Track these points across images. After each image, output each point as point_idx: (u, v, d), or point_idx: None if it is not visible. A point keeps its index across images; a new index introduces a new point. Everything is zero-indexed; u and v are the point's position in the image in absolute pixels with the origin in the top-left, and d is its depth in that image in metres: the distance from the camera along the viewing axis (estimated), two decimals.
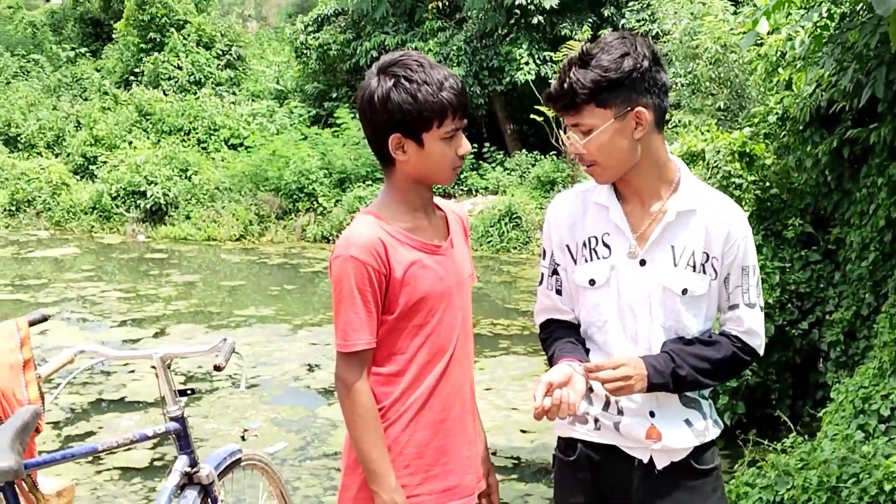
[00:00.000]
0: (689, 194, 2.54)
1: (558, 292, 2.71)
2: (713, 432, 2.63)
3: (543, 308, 2.77)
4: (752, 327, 2.56)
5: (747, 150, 6.94)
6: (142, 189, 19.57)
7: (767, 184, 6.75)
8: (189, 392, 3.50)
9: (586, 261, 2.61)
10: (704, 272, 2.52)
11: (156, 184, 19.54)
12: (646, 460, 2.57)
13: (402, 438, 2.55)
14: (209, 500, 3.46)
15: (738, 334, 2.57)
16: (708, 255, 2.52)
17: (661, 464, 2.57)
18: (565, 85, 2.45)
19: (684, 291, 2.51)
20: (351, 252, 2.44)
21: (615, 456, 2.60)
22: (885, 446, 4.32)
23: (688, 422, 2.57)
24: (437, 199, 2.70)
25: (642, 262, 2.54)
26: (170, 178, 19.70)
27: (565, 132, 2.54)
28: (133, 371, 8.62)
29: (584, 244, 2.61)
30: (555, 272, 2.70)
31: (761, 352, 2.61)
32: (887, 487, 4.03)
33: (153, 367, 3.42)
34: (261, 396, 8.00)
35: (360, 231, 2.48)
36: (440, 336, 2.57)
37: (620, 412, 2.57)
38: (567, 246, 2.65)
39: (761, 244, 6.52)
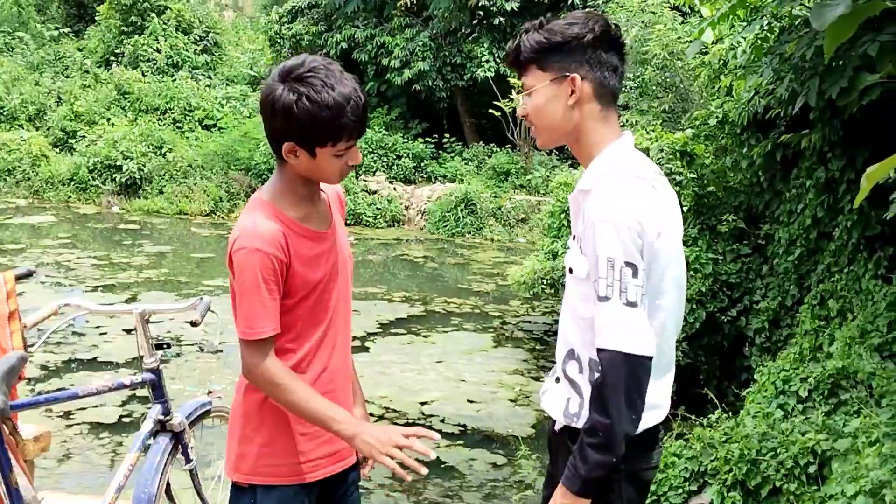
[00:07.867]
0: (590, 174, 2.35)
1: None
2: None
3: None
4: (599, 326, 2.21)
5: (688, 150, 7.05)
6: (118, 163, 19.37)
7: (705, 181, 6.85)
8: (165, 346, 3.53)
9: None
10: (584, 253, 2.29)
11: (131, 159, 19.35)
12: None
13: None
14: (180, 446, 3.50)
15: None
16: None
17: (557, 425, 2.50)
18: (515, 43, 2.39)
19: (571, 270, 2.37)
20: (257, 244, 2.36)
21: None
22: (802, 424, 4.42)
23: (568, 400, 2.43)
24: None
25: (574, 238, 2.43)
26: (145, 155, 19.51)
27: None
28: (105, 333, 8.55)
29: None
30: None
31: (623, 348, 2.15)
32: (802, 461, 4.14)
33: (129, 330, 3.42)
34: (224, 361, 7.99)
35: (262, 223, 2.40)
36: (326, 311, 2.55)
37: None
38: None
39: (697, 237, 6.62)
